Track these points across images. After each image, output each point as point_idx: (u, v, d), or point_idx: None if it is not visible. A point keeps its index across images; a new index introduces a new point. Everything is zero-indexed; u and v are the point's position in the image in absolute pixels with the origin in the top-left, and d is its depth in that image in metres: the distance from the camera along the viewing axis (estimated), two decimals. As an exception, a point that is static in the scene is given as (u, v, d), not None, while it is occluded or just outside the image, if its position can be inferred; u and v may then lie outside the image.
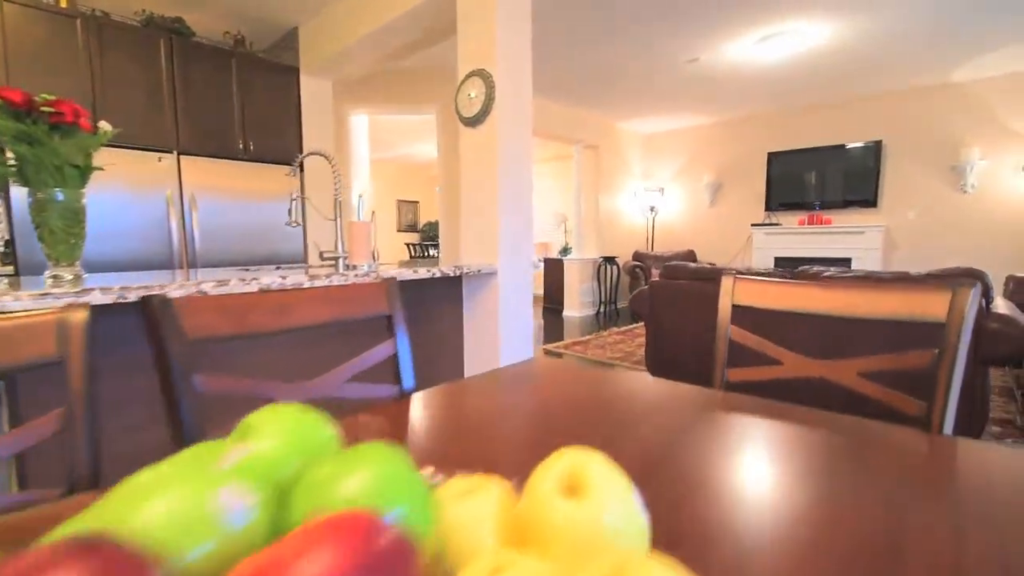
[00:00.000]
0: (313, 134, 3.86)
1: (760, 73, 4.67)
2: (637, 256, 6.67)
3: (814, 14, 3.48)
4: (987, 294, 1.87)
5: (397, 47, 3.29)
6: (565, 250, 6.67)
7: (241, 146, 3.45)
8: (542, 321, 6.42)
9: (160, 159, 3.10)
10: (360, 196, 3.65)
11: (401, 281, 2.09)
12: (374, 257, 2.32)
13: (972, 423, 1.86)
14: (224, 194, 3.35)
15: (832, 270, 2.32)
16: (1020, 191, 4.76)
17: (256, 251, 3.53)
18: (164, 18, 3.25)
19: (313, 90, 3.81)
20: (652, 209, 7.00)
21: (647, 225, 7.25)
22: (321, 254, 2.08)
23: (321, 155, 2.07)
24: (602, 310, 6.59)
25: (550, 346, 4.50)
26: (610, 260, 6.35)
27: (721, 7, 3.39)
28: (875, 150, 5.40)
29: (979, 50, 4.20)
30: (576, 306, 6.38)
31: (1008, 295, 3.66)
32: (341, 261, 2.11)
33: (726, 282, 1.02)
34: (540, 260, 7.16)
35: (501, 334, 2.36)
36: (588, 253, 6.60)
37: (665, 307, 2.75)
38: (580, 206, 6.40)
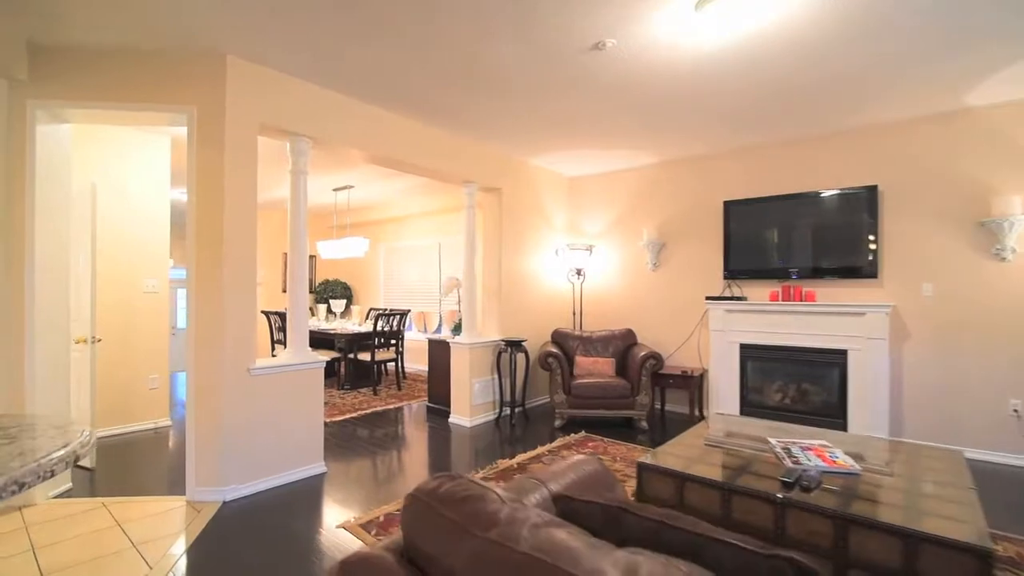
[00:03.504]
0: None
1: (704, 74, 3.10)
2: (557, 337, 4.86)
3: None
4: None
5: None
6: (457, 328, 4.82)
7: None
8: (427, 425, 4.43)
9: None
10: None
11: None
12: None
13: None
14: None
15: None
16: (1085, 260, 3.23)
17: None
18: None
19: None
20: (579, 273, 5.28)
21: (573, 295, 5.50)
22: None
23: None
24: (506, 414, 4.67)
25: (355, 519, 2.50)
26: (515, 345, 4.49)
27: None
28: (869, 199, 3.87)
29: (998, 61, 2.74)
30: (466, 410, 4.44)
31: None
32: None
33: None
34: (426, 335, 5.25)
35: None
36: (487, 334, 4.75)
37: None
38: (474, 270, 4.61)
